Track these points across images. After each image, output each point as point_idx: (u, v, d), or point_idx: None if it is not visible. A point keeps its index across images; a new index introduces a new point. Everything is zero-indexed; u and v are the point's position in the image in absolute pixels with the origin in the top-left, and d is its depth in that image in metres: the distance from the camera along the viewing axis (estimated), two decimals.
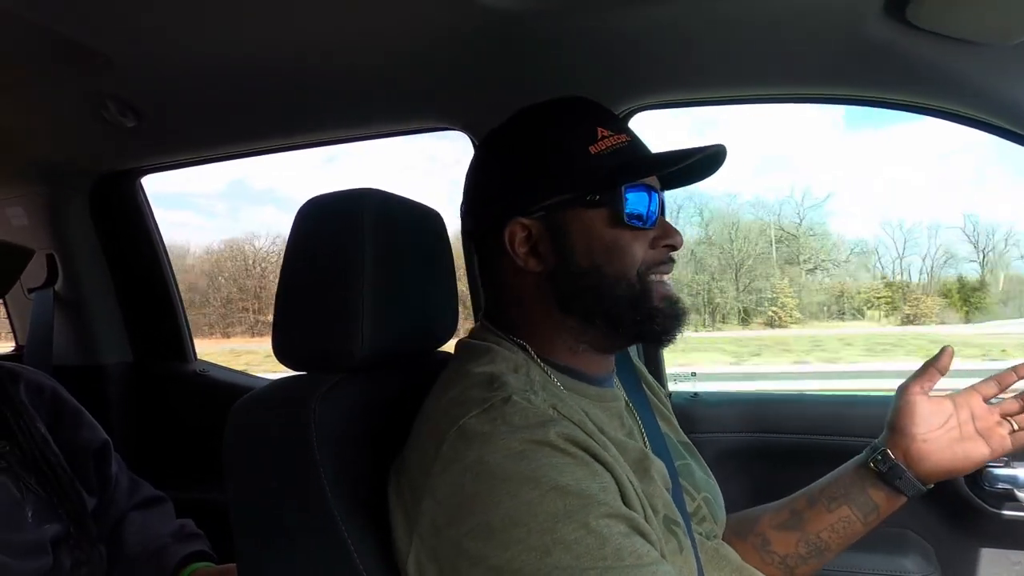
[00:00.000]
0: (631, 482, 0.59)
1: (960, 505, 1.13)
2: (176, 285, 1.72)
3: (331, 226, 0.70)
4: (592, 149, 0.65)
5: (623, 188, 0.64)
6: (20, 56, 1.01)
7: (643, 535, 0.54)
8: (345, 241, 0.68)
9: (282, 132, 1.37)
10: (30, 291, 1.60)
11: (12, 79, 1.09)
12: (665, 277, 0.68)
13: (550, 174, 0.66)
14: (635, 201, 0.65)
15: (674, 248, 0.68)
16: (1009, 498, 1.10)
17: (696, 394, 1.35)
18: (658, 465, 0.66)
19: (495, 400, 0.57)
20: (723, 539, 0.79)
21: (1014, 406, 0.75)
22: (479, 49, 0.99)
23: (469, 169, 0.73)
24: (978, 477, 1.11)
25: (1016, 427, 0.74)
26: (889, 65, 0.94)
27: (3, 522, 0.87)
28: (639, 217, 0.65)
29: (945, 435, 0.74)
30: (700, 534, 0.71)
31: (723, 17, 0.90)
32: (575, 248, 0.66)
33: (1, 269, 1.11)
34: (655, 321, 0.66)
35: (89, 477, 1.06)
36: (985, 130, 1.00)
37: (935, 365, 0.77)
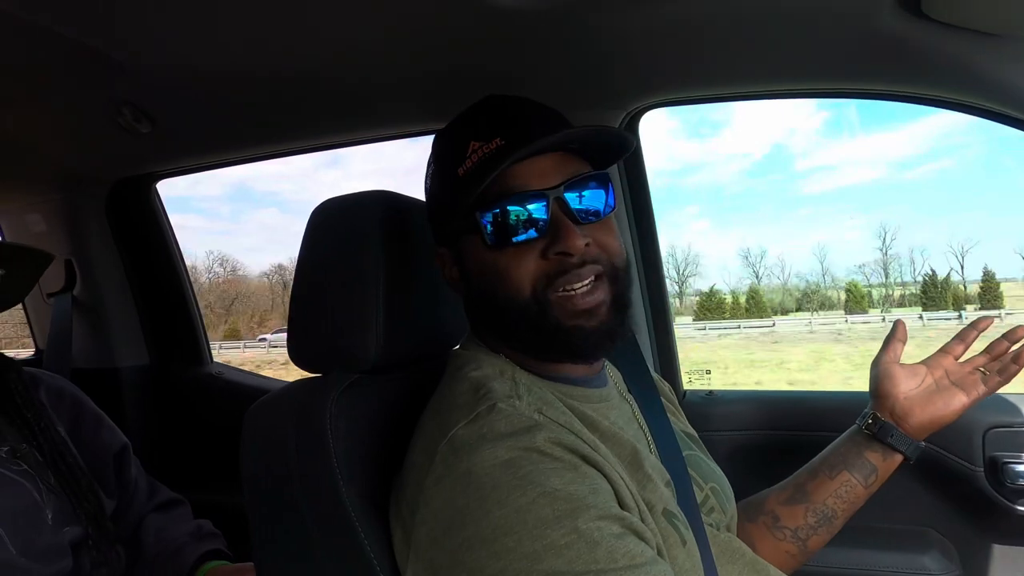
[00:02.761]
0: (623, 479, 0.59)
1: (981, 503, 1.12)
2: (192, 288, 1.74)
3: (345, 228, 0.70)
4: (460, 171, 0.63)
5: (476, 213, 0.61)
6: (38, 65, 1.02)
7: (637, 534, 0.53)
8: (359, 243, 0.68)
9: (293, 135, 1.38)
10: (49, 296, 1.63)
11: (31, 88, 1.11)
12: (579, 287, 0.61)
13: (438, 205, 0.67)
14: (504, 217, 0.60)
15: (567, 255, 0.61)
16: None
17: (711, 392, 1.35)
18: (652, 460, 0.66)
19: (481, 410, 0.58)
20: (734, 525, 0.80)
21: (982, 360, 0.82)
22: (488, 50, 0.99)
23: None
24: (999, 474, 1.09)
25: (987, 372, 0.81)
26: (904, 58, 0.93)
27: (24, 525, 0.88)
28: (511, 233, 0.61)
29: (924, 390, 0.82)
30: (710, 525, 0.71)
31: (734, 13, 0.89)
32: (471, 273, 0.66)
33: (21, 274, 1.12)
34: (558, 340, 0.62)
35: (108, 480, 1.07)
36: (1001, 122, 0.98)
37: (895, 337, 0.86)
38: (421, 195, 0.77)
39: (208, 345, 1.76)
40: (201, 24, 0.90)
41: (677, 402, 0.89)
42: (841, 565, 1.14)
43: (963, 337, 0.83)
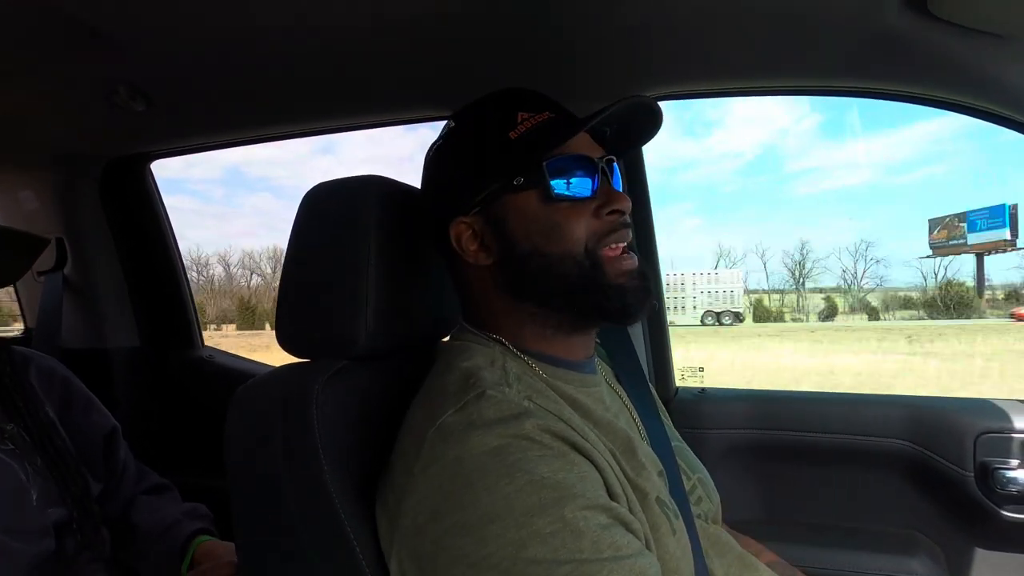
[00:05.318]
0: (614, 468, 0.59)
1: (970, 508, 1.12)
2: (184, 270, 1.73)
3: (336, 212, 0.69)
4: (511, 134, 0.64)
5: (544, 164, 0.63)
6: (32, 41, 1.01)
7: (625, 525, 0.53)
8: (350, 227, 0.67)
9: (289, 118, 1.37)
10: (40, 274, 1.61)
11: (25, 63, 1.10)
12: (623, 249, 0.66)
13: (476, 169, 0.66)
14: (562, 174, 0.64)
15: (621, 213, 0.65)
16: (1019, 501, 1.09)
17: (703, 390, 1.35)
18: (645, 449, 0.66)
19: (470, 397, 0.57)
20: (719, 517, 0.79)
21: None
22: (489, 40, 0.99)
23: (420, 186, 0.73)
24: (990, 480, 1.09)
25: None
26: (909, 58, 0.93)
27: (8, 505, 0.87)
28: (570, 189, 0.64)
29: None
30: (699, 516, 0.71)
31: (738, 7, 0.88)
32: (515, 234, 0.65)
33: (17, 258, 1.12)
34: (610, 297, 0.64)
35: (97, 463, 1.06)
36: (1003, 125, 0.98)
37: None
38: (418, 183, 0.76)
39: (199, 328, 1.75)
40: (200, 2, 0.89)
41: (661, 402, 0.88)
42: (828, 567, 1.14)
43: None
